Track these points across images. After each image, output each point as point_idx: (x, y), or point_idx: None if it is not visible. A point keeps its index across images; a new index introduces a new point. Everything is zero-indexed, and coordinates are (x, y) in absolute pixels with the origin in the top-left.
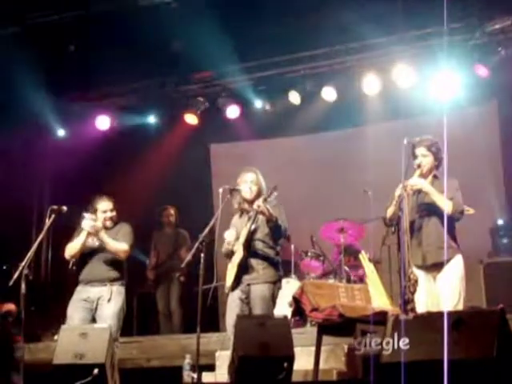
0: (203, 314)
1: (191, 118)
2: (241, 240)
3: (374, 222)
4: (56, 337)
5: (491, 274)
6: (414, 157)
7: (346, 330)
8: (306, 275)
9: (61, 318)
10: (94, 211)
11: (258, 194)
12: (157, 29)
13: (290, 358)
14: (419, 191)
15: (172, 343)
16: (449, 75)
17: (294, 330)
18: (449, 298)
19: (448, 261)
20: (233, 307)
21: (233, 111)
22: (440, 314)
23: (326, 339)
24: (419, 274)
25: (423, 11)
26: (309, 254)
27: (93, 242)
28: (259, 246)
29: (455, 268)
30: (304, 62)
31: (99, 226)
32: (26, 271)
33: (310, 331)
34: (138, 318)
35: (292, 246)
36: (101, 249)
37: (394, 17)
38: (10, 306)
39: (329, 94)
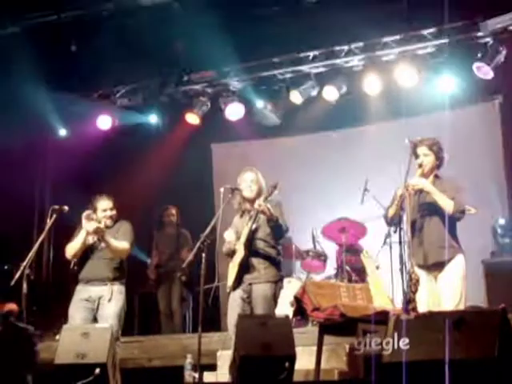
0: (205, 313)
1: (192, 118)
2: (242, 239)
3: (376, 222)
4: (58, 336)
5: (493, 273)
6: (416, 156)
7: (347, 329)
8: (308, 275)
9: (62, 317)
10: (94, 210)
11: (259, 194)
12: (157, 28)
13: (292, 358)
14: (421, 191)
15: (173, 343)
16: (450, 75)
17: (295, 330)
18: (450, 298)
19: (449, 260)
20: (234, 306)
21: (234, 111)
22: (441, 314)
23: (327, 339)
24: (420, 273)
25: (424, 11)
26: (310, 253)
27: (93, 241)
28: (260, 245)
29: (456, 268)
30: (305, 62)
31: (102, 228)
32: (27, 271)
33: (312, 331)
34: (139, 318)
35: (293, 246)
36: (101, 248)
37: (395, 16)
38: (12, 306)
39: (330, 93)
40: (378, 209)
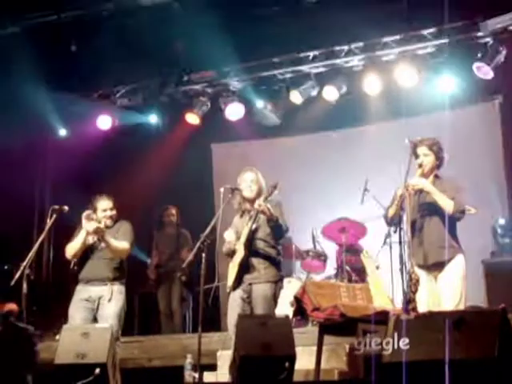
0: (205, 313)
1: (192, 118)
2: (242, 239)
3: (376, 222)
4: (58, 336)
5: (493, 273)
6: (416, 156)
7: (347, 329)
8: (308, 275)
9: (62, 317)
10: (94, 210)
11: (259, 193)
12: (157, 28)
13: (292, 358)
14: (421, 191)
15: (173, 343)
16: (450, 75)
17: (295, 330)
18: (450, 298)
19: (449, 260)
20: (234, 306)
21: (234, 111)
22: (441, 314)
23: (327, 339)
24: (420, 273)
25: (424, 11)
26: (310, 253)
27: (93, 241)
28: (260, 245)
29: (456, 268)
30: (305, 62)
31: (102, 228)
32: (27, 271)
33: (312, 331)
34: (139, 318)
35: (293, 246)
36: (101, 248)
37: (395, 16)
38: (12, 306)
39: (330, 93)
40: (378, 209)
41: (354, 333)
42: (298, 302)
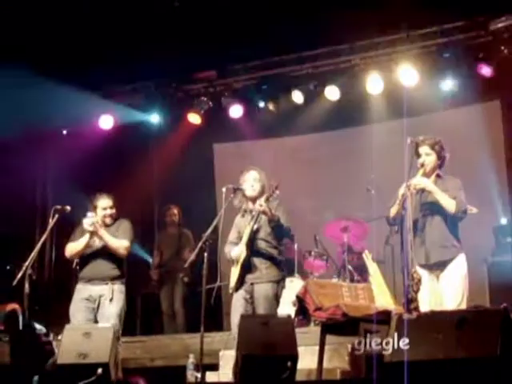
0: (207, 313)
1: (194, 118)
2: (244, 240)
3: (378, 221)
4: (59, 336)
5: (495, 272)
6: (418, 156)
7: (349, 329)
8: (310, 274)
9: (64, 317)
10: (94, 208)
11: (261, 193)
12: (159, 28)
13: (294, 358)
14: (422, 190)
15: (175, 343)
16: (452, 74)
17: (297, 330)
18: (452, 297)
19: (451, 260)
20: (237, 307)
21: (236, 110)
22: (443, 313)
23: (329, 338)
24: (422, 273)
25: (425, 10)
26: (312, 253)
27: (94, 241)
28: (262, 245)
29: (458, 267)
30: (307, 61)
31: (98, 224)
32: (29, 271)
33: (314, 330)
34: (141, 318)
35: (295, 245)
36: (102, 247)
37: (396, 16)
38: (14, 306)
39: (332, 93)
40: (380, 208)
41: (356, 332)
42: (300, 301)
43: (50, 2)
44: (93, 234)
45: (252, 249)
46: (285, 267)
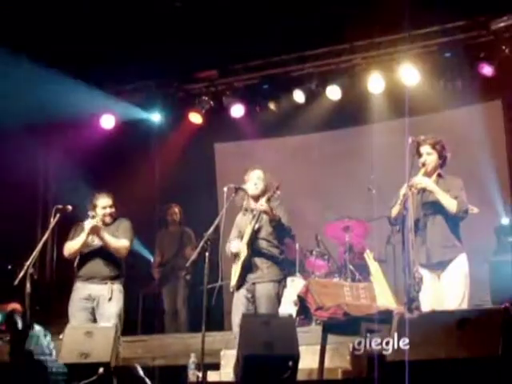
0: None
1: (196, 117)
2: (245, 239)
3: (379, 221)
4: (61, 336)
5: (496, 272)
6: (419, 155)
7: (350, 328)
8: (311, 274)
9: (66, 317)
10: (94, 207)
11: (264, 192)
12: (159, 27)
13: (295, 357)
14: (424, 190)
15: (177, 342)
16: (453, 74)
17: (299, 329)
18: (453, 297)
19: (452, 260)
20: (239, 306)
21: (237, 110)
22: (445, 313)
23: (330, 338)
24: (424, 272)
25: (426, 10)
26: (313, 252)
27: (93, 241)
28: (263, 244)
29: (460, 267)
30: (309, 61)
31: (99, 226)
32: (30, 270)
33: (315, 330)
34: (142, 317)
35: (297, 245)
36: (101, 246)
37: (398, 15)
38: (15, 305)
39: (333, 92)
40: (381, 208)
41: (358, 332)
42: (301, 301)
43: (51, 1)
44: (93, 233)
45: (253, 248)
46: (286, 267)
